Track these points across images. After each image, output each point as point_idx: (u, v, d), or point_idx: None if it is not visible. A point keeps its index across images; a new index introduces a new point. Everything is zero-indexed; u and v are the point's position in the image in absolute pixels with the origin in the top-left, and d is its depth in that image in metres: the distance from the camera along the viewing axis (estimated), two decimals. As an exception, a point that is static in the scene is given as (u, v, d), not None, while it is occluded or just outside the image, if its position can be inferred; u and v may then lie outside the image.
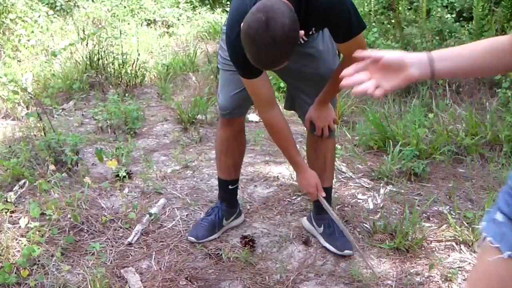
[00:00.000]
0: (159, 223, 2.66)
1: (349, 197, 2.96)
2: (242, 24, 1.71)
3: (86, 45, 5.10)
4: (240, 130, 2.49)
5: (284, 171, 3.24)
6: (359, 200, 2.94)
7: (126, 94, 4.64)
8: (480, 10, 4.85)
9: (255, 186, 3.09)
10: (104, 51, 5.01)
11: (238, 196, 2.69)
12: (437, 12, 5.26)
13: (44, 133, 3.34)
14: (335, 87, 2.23)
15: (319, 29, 2.11)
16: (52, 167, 2.94)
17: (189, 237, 2.50)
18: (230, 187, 2.57)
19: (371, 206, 2.87)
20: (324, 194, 2.24)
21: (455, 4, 5.46)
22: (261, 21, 1.63)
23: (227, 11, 7.75)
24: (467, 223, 2.64)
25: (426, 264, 2.35)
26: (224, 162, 2.52)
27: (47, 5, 6.80)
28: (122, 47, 5.15)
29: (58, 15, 6.90)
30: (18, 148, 3.18)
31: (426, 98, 4.26)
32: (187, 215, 2.75)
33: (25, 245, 2.31)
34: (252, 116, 4.32)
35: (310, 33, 1.98)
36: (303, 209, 2.81)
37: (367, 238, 2.56)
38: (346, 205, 2.87)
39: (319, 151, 2.42)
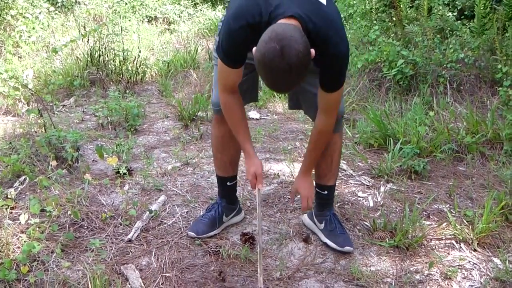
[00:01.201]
0: (159, 220, 2.66)
1: (349, 195, 2.96)
2: (255, 52, 1.75)
3: (87, 41, 5.10)
4: None
5: (284, 168, 3.24)
6: (359, 198, 2.94)
7: (127, 91, 4.64)
8: (481, 8, 4.84)
9: (256, 183, 3.08)
10: (105, 48, 5.01)
11: (238, 193, 2.69)
12: (438, 10, 5.25)
13: (45, 130, 3.34)
14: (316, 154, 2.29)
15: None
16: (53, 163, 2.94)
17: (189, 233, 2.50)
18: (228, 183, 2.57)
19: (371, 204, 2.87)
20: (261, 187, 2.22)
21: (456, 2, 5.46)
22: (276, 50, 1.68)
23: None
24: (467, 221, 2.64)
25: (426, 262, 2.35)
26: (220, 160, 2.53)
27: (48, 2, 6.80)
28: (123, 43, 5.15)
29: (59, 12, 6.91)
30: (19, 144, 3.19)
31: (427, 96, 4.26)
32: (187, 212, 2.75)
33: (25, 241, 2.31)
34: (253, 113, 4.32)
35: None
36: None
37: (367, 236, 2.56)
38: (346, 202, 2.87)
39: (326, 151, 2.40)
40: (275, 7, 1.83)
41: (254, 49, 1.77)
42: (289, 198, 2.89)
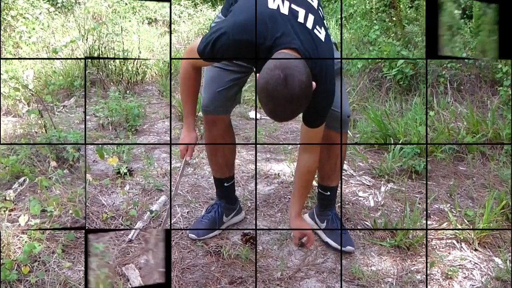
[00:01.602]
0: (160, 220, 2.66)
1: (350, 195, 2.96)
2: (258, 79, 1.76)
3: (86, 40, 5.10)
4: (226, 128, 2.46)
5: (285, 168, 3.24)
6: (360, 198, 2.94)
7: (127, 91, 4.64)
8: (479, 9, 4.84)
9: (256, 183, 3.09)
10: (105, 48, 5.01)
11: (238, 193, 2.68)
12: (438, 10, 5.25)
13: (45, 130, 3.34)
14: (307, 192, 2.30)
15: None
16: (53, 163, 2.94)
17: (189, 235, 2.50)
18: (225, 184, 2.57)
19: (372, 204, 2.87)
20: (189, 159, 2.26)
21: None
22: (280, 78, 1.69)
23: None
24: (467, 221, 2.64)
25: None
26: (215, 162, 2.52)
27: (48, 2, 6.80)
28: (123, 44, 5.15)
29: (59, 12, 6.91)
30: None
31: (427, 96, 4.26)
32: (188, 212, 2.75)
33: (25, 242, 2.31)
34: (253, 114, 4.31)
35: None
36: (304, 206, 2.80)
37: (368, 236, 2.56)
38: (347, 202, 2.87)
39: (331, 152, 2.38)
40: (281, 34, 1.85)
41: (258, 75, 1.79)
42: (289, 198, 2.89)
